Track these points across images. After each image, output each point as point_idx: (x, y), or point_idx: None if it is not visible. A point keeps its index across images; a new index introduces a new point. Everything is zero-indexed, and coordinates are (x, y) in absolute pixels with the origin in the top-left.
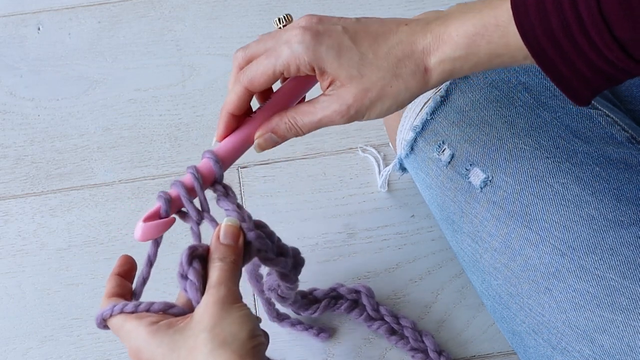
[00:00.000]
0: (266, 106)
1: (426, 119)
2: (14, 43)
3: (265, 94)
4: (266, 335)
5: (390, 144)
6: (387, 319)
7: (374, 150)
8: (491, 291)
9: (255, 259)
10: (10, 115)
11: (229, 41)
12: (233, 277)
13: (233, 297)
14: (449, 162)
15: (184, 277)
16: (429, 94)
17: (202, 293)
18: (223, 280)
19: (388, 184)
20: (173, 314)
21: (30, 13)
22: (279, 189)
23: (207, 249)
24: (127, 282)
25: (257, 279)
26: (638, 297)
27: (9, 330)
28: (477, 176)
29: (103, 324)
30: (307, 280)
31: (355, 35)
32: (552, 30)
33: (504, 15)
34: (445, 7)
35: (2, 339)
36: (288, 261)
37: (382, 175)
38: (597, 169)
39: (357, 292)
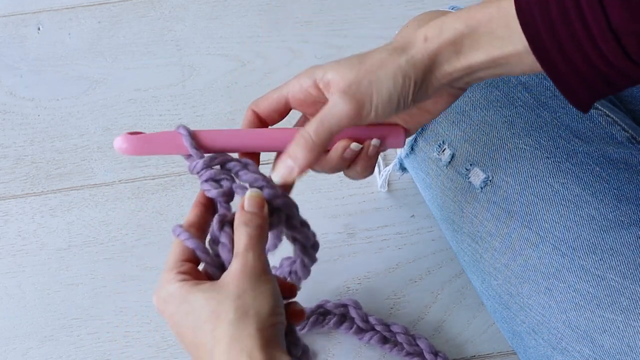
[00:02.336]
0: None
1: None
2: (14, 43)
3: None
4: (302, 313)
5: None
6: (378, 328)
7: None
8: (491, 291)
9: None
10: (10, 115)
11: (229, 41)
12: (259, 242)
13: (260, 267)
14: (449, 162)
15: (216, 241)
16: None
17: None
18: (251, 246)
19: (388, 184)
20: (210, 274)
21: (30, 13)
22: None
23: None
24: (208, 215)
25: None
26: (638, 298)
27: (9, 330)
28: (477, 176)
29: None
30: (306, 280)
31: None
32: (551, 19)
33: (508, 5)
34: (444, 7)
35: (2, 339)
36: (309, 234)
37: (382, 175)
38: (598, 169)
39: (344, 305)
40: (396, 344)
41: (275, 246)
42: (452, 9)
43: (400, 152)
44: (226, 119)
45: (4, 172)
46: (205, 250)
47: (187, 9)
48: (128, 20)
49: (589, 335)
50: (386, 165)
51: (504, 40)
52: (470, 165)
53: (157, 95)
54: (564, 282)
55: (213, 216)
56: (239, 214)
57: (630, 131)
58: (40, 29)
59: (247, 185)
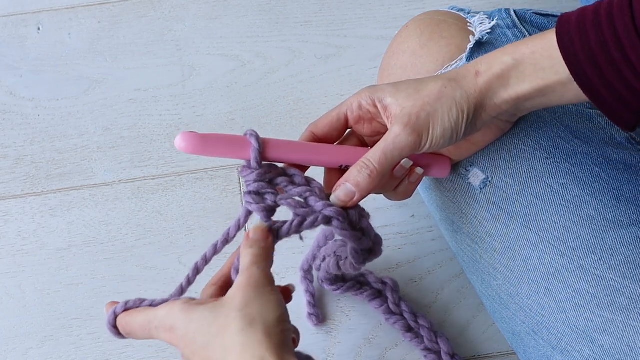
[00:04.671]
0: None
1: None
2: (14, 43)
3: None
4: (296, 331)
5: None
6: (406, 315)
7: None
8: (491, 291)
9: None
10: (10, 115)
11: (229, 41)
12: (264, 260)
13: (265, 279)
14: None
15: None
16: None
17: None
18: (255, 261)
19: None
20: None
21: (30, 13)
22: None
23: None
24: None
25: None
26: (638, 297)
27: (9, 330)
28: (476, 177)
29: (113, 323)
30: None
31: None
32: (590, 48)
33: (551, 37)
34: (444, 7)
35: (2, 339)
36: (364, 240)
37: None
38: (597, 169)
39: (384, 283)
40: (417, 335)
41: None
42: (451, 9)
43: None
44: (226, 119)
45: (4, 172)
46: (154, 299)
47: (187, 9)
48: (128, 20)
49: (588, 335)
50: None
51: (548, 70)
52: (470, 165)
53: (157, 95)
54: (563, 282)
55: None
56: (244, 241)
57: (629, 132)
58: (40, 29)
59: (295, 196)
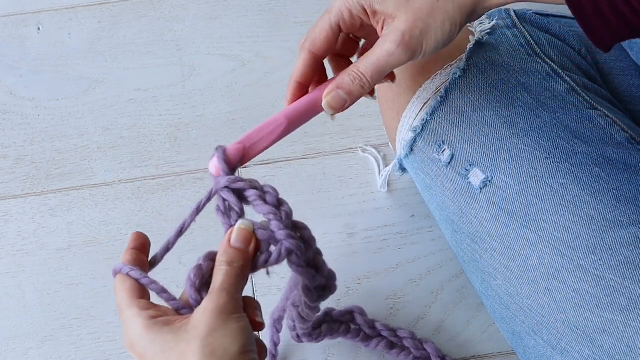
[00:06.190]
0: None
1: (426, 119)
2: (14, 43)
3: (341, 63)
4: (264, 348)
5: (390, 144)
6: (385, 333)
7: (374, 150)
8: (491, 291)
9: None
10: (10, 115)
11: (229, 41)
12: (237, 283)
13: (233, 306)
14: (449, 163)
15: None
16: (428, 94)
17: (206, 291)
18: (226, 286)
19: (388, 184)
20: (176, 309)
21: (30, 13)
22: (278, 189)
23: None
24: (143, 255)
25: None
26: (638, 298)
27: (9, 330)
28: (476, 177)
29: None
30: None
31: None
32: None
33: None
34: None
35: (2, 339)
36: (317, 278)
37: (382, 175)
38: (597, 169)
39: (350, 312)
40: (403, 349)
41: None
42: None
43: (400, 152)
44: (226, 119)
45: (4, 172)
46: (164, 290)
47: (187, 9)
48: (128, 20)
49: (588, 336)
50: (386, 165)
51: None
52: (470, 165)
53: (157, 95)
54: (563, 282)
55: (147, 258)
56: (223, 249)
57: (629, 132)
58: (40, 29)
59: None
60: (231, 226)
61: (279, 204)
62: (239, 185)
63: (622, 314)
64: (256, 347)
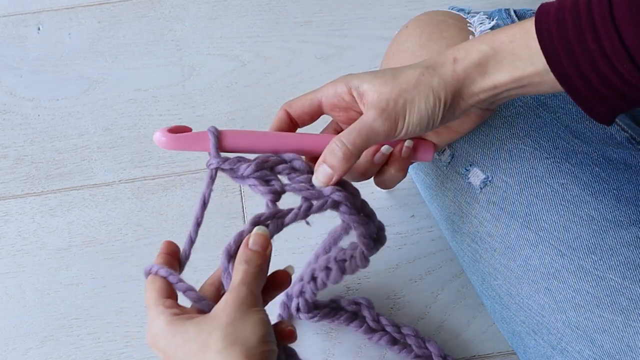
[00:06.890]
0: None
1: None
2: (14, 43)
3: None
4: (294, 332)
5: None
6: (388, 329)
7: None
8: (491, 291)
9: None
10: (10, 115)
11: (229, 41)
12: (256, 280)
13: (252, 300)
14: (449, 163)
15: (225, 269)
16: None
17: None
18: (246, 281)
19: None
20: (201, 309)
21: (30, 13)
22: None
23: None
24: (174, 259)
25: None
26: (638, 298)
27: (9, 330)
28: (476, 176)
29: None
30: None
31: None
32: (567, 38)
33: (530, 27)
34: (444, 7)
35: (2, 339)
36: (370, 225)
37: None
38: (597, 169)
39: (357, 303)
40: (405, 345)
41: (346, 232)
42: (451, 9)
43: None
44: (226, 119)
45: (4, 172)
46: (190, 288)
47: (187, 9)
48: (128, 20)
49: (588, 336)
50: None
51: (525, 60)
52: (470, 165)
53: (157, 95)
54: (563, 282)
55: (178, 263)
56: (242, 250)
57: (629, 131)
58: (40, 29)
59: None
60: (272, 192)
61: (309, 167)
62: (269, 164)
63: (622, 314)
64: (275, 338)
